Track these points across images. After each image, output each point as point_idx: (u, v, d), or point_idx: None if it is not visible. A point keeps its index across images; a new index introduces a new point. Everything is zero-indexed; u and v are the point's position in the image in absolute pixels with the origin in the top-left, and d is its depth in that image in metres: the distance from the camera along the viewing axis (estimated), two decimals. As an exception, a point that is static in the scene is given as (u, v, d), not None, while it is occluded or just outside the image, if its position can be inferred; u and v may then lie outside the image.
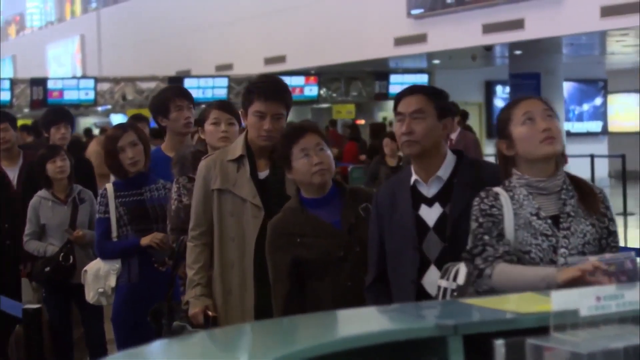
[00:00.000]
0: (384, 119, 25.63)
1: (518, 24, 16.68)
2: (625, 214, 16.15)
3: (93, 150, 10.99)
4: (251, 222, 4.40)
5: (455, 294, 3.38)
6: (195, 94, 6.01)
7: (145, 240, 5.44)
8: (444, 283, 3.45)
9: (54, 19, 42.18)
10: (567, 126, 23.43)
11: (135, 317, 5.35)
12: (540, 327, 2.31)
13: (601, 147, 23.80)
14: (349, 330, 2.52)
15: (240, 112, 4.70)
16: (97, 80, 23.44)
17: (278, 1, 23.30)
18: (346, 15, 20.94)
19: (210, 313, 4.48)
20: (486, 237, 3.31)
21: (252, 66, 23.00)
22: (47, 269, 6.34)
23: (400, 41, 19.55)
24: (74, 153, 7.01)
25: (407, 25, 19.27)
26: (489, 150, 20.73)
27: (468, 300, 2.79)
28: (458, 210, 3.62)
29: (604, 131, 25.62)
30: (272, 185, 4.45)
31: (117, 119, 29.06)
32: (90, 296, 5.61)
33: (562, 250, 3.30)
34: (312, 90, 23.83)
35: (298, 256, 4.04)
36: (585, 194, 3.38)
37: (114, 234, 5.53)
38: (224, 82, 23.07)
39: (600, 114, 25.80)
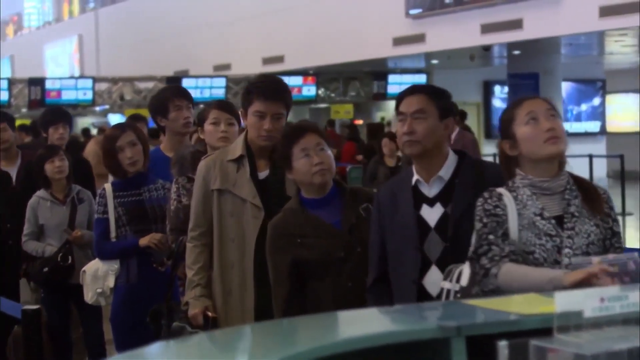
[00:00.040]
0: (382, 119, 25.65)
1: (516, 24, 16.68)
2: (623, 214, 16.15)
3: (91, 150, 10.97)
4: (251, 223, 4.39)
5: (458, 295, 3.37)
6: (193, 94, 6.00)
7: (144, 241, 5.42)
8: (447, 285, 3.44)
9: (52, 19, 42.18)
10: (565, 126, 23.29)
11: (133, 318, 5.33)
12: (544, 328, 2.30)
13: (599, 147, 23.79)
14: (351, 332, 2.51)
15: (240, 112, 4.68)
16: (95, 80, 23.43)
17: (276, 1, 23.30)
18: (344, 15, 20.94)
19: (210, 314, 4.47)
20: (491, 237, 3.30)
21: (250, 66, 23.00)
22: (46, 269, 6.33)
23: (398, 41, 19.54)
24: (72, 153, 6.99)
25: (405, 25, 19.27)
26: (487, 150, 20.73)
27: (471, 301, 2.78)
28: (459, 210, 3.61)
29: (602, 131, 25.63)
30: (272, 186, 4.44)
31: (115, 119, 29.06)
32: (88, 296, 5.60)
33: (567, 250, 3.29)
34: (310, 90, 23.83)
35: (298, 257, 4.03)
36: (589, 194, 3.37)
37: (113, 234, 5.52)
38: (222, 82, 23.07)
39: (599, 114, 25.82)
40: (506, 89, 22.49)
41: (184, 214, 4.83)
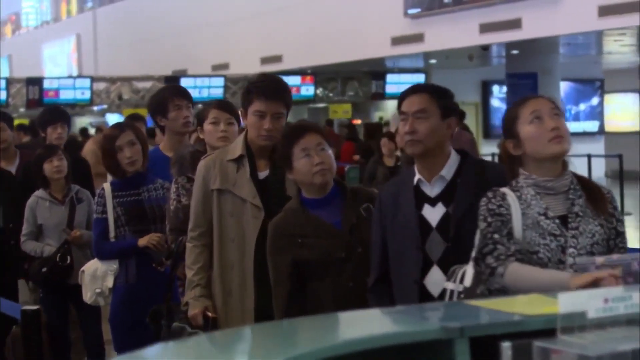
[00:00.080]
0: (381, 118, 25.65)
1: (515, 24, 16.67)
2: (622, 214, 16.14)
3: (89, 150, 10.94)
4: (251, 223, 4.37)
5: (462, 296, 3.35)
6: (192, 93, 5.98)
7: (142, 241, 5.41)
8: (450, 285, 3.43)
9: (50, 19, 42.18)
10: (564, 126, 23.39)
11: (132, 318, 5.32)
12: (547, 329, 2.29)
13: (598, 147, 23.79)
14: (353, 333, 2.49)
15: (239, 112, 4.67)
16: (93, 79, 23.41)
17: (274, 1, 23.29)
18: (343, 14, 20.93)
19: (209, 314, 4.45)
20: (496, 236, 3.30)
21: (248, 66, 22.99)
22: (44, 269, 6.31)
23: (397, 41, 19.54)
24: (70, 153, 6.98)
25: (404, 24, 19.26)
26: (485, 150, 20.74)
27: (474, 302, 2.77)
28: (461, 210, 3.60)
29: (601, 131, 25.63)
30: (272, 186, 4.42)
31: (113, 118, 29.04)
32: (87, 297, 5.59)
33: (571, 250, 3.28)
34: (308, 90, 23.82)
35: (299, 257, 4.01)
36: (593, 194, 3.36)
37: (112, 234, 5.50)
38: (220, 81, 23.06)
39: (597, 113, 25.83)
40: (505, 88, 22.50)
41: (184, 214, 4.81)
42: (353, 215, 4.05)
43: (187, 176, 4.98)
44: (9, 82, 22.76)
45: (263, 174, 4.46)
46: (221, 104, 5.23)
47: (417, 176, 3.73)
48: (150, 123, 7.86)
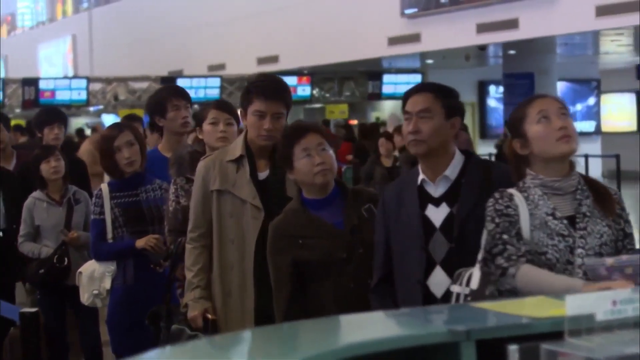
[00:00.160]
0: (377, 118, 25.65)
1: (512, 24, 16.66)
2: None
3: (85, 150, 10.92)
4: (251, 224, 4.35)
5: (469, 298, 3.33)
6: (188, 94, 5.96)
7: (140, 243, 5.38)
8: (456, 288, 3.41)
9: (45, 19, 42.15)
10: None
11: (130, 319, 5.31)
12: (555, 332, 2.27)
13: (594, 147, 23.82)
14: (359, 336, 2.46)
15: (239, 112, 4.64)
16: (89, 80, 23.39)
17: (271, 1, 23.28)
18: (339, 14, 20.93)
19: (209, 316, 4.43)
20: (505, 236, 3.27)
21: (244, 66, 23.00)
22: (42, 270, 6.29)
23: (393, 41, 19.53)
24: (67, 153, 6.95)
25: (400, 24, 19.26)
26: (482, 150, 20.74)
27: (481, 304, 2.75)
28: (465, 210, 3.58)
29: (597, 131, 25.64)
30: (272, 186, 4.40)
31: (109, 119, 29.03)
32: (85, 298, 5.57)
33: (579, 250, 3.26)
34: (305, 90, 23.82)
35: (300, 257, 3.99)
36: (601, 195, 3.34)
37: (109, 235, 5.48)
38: (217, 82, 23.06)
39: (594, 113, 25.83)
40: (501, 88, 22.51)
41: (183, 215, 4.79)
42: (354, 215, 4.02)
43: (186, 177, 4.96)
44: (5, 82, 22.74)
45: (263, 174, 4.43)
46: (220, 104, 5.20)
47: (421, 176, 3.70)
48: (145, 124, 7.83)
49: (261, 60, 23.33)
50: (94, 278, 5.51)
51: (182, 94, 5.80)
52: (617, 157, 17.89)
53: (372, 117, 26.74)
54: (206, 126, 5.04)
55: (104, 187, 5.54)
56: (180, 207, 4.90)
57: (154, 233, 5.39)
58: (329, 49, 21.11)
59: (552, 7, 15.92)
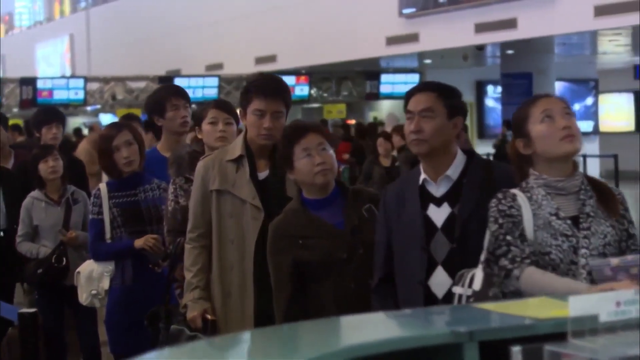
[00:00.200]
0: (375, 118, 25.66)
1: (510, 24, 16.67)
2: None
3: (83, 149, 10.89)
4: (251, 224, 4.33)
5: (471, 300, 3.31)
6: (186, 93, 5.95)
7: (139, 243, 5.37)
8: (459, 290, 3.39)
9: (43, 19, 42.13)
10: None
11: (128, 320, 5.30)
12: (558, 333, 2.25)
13: (592, 147, 23.83)
14: (360, 338, 2.45)
15: (238, 112, 4.63)
16: (86, 79, 23.39)
17: (268, 1, 23.27)
18: (337, 14, 20.93)
19: (208, 317, 4.41)
20: (509, 237, 3.26)
21: (242, 66, 22.99)
22: (40, 270, 6.27)
23: (391, 40, 19.54)
24: (65, 153, 6.93)
25: (398, 24, 19.26)
26: (479, 150, 20.66)
27: (483, 305, 2.73)
28: (467, 210, 3.56)
29: (595, 131, 25.66)
30: (272, 186, 4.38)
31: (107, 118, 29.04)
32: (83, 298, 5.56)
33: (583, 250, 3.24)
34: (303, 90, 23.83)
35: (300, 258, 3.97)
36: (604, 195, 3.33)
37: (108, 235, 5.46)
38: (215, 81, 23.06)
39: (592, 113, 25.84)
40: (499, 88, 22.51)
41: (182, 215, 4.77)
42: (355, 215, 4.01)
43: (185, 177, 4.94)
44: (3, 82, 22.74)
45: (263, 174, 4.42)
46: (220, 104, 5.19)
47: (423, 176, 3.69)
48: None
49: (259, 60, 23.33)
50: (92, 278, 5.50)
51: (181, 93, 5.78)
52: (615, 157, 17.92)
53: (370, 116, 26.75)
54: (205, 126, 5.02)
55: (103, 186, 5.52)
56: (179, 207, 4.88)
57: (153, 233, 5.38)
58: (327, 49, 21.11)
59: (550, 7, 15.92)
